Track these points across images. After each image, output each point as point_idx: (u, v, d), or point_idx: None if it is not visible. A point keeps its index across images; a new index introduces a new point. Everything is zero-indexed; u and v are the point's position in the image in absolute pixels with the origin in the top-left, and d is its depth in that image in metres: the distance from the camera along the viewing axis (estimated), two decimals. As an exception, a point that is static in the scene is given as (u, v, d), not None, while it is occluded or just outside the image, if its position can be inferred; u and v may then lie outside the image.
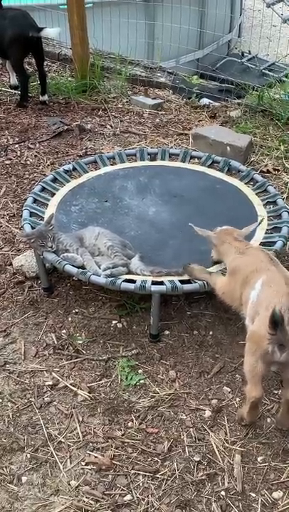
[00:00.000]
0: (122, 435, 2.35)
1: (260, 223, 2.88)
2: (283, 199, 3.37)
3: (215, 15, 7.05)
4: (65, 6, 4.98)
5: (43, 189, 3.34)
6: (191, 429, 2.37)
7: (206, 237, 2.68)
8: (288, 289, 2.18)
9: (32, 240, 2.81)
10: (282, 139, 4.32)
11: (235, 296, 2.46)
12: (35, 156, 4.17)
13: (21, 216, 3.15)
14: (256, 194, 3.29)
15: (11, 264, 3.16)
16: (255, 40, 7.23)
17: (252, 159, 4.09)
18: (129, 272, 2.73)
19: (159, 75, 5.56)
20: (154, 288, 2.61)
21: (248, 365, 2.20)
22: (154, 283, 2.64)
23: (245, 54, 8.32)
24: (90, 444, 2.32)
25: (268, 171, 3.97)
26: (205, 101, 5.08)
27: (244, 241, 2.60)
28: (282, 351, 2.07)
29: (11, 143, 4.32)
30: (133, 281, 2.64)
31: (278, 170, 4.01)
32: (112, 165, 3.62)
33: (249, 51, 8.27)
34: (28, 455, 2.28)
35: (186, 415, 2.43)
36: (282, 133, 4.43)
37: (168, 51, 6.62)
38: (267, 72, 7.25)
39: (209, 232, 2.67)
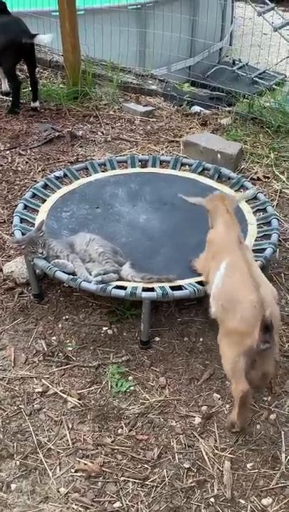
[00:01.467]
0: (112, 442, 2.34)
1: (252, 195, 2.87)
2: (273, 206, 3.39)
3: (206, 23, 7.10)
4: (57, 14, 4.99)
5: (34, 195, 3.34)
6: (180, 436, 2.37)
7: (198, 204, 2.69)
8: (253, 281, 2.18)
9: (22, 246, 2.81)
10: (272, 147, 4.35)
11: (206, 268, 2.56)
12: (27, 162, 4.17)
13: (12, 222, 3.15)
14: (246, 201, 3.30)
15: (1, 270, 3.16)
16: (246, 48, 7.32)
17: (242, 167, 4.11)
18: (120, 279, 2.73)
19: (150, 82, 5.58)
20: (144, 294, 2.61)
21: (230, 362, 2.22)
22: (144, 289, 2.64)
23: (236, 62, 8.39)
24: (80, 451, 2.31)
25: (258, 179, 3.99)
26: (196, 108, 5.10)
27: (231, 213, 2.60)
28: (265, 346, 2.11)
29: (2, 149, 4.32)
30: (124, 288, 2.65)
31: (268, 177, 4.03)
32: (103, 171, 3.63)
33: (240, 59, 8.34)
34: (18, 462, 2.27)
35: (176, 422, 2.43)
36: (272, 141, 4.45)
37: (159, 59, 6.66)
38: (257, 80, 7.32)
39: (200, 198, 2.70)
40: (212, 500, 2.15)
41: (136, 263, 2.81)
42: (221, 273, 2.34)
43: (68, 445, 2.33)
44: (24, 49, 4.57)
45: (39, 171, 4.05)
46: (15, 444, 2.33)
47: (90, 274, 2.72)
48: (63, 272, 2.73)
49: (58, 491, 2.17)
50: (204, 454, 2.31)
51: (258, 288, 2.14)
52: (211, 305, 2.42)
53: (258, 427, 2.41)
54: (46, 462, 2.27)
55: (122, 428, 2.40)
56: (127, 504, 2.14)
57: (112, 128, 4.70)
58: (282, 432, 2.39)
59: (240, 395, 2.21)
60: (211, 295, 2.42)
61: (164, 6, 6.95)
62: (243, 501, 2.15)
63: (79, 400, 2.51)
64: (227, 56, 9.41)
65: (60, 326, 2.86)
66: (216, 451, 2.32)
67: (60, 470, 2.25)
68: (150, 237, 3.08)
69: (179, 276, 2.73)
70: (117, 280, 2.72)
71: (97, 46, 5.82)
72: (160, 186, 3.45)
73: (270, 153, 4.28)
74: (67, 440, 2.35)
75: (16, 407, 2.48)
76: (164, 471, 2.25)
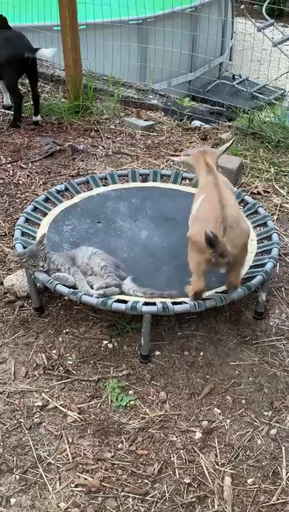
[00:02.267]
0: (112, 457, 2.34)
1: (230, 144, 3.07)
2: (273, 221, 3.40)
3: (206, 38, 7.16)
4: (59, 28, 5.03)
5: (35, 209, 3.35)
6: (181, 451, 2.37)
7: (184, 161, 3.07)
8: (220, 206, 2.51)
9: (24, 260, 2.81)
10: (272, 162, 4.37)
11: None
12: (28, 175, 4.19)
13: (13, 235, 3.16)
14: (247, 216, 3.31)
15: (1, 283, 3.16)
16: (246, 63, 7.37)
17: (242, 181, 4.13)
18: (122, 293, 2.74)
19: (151, 97, 5.62)
20: (145, 308, 2.61)
21: (194, 262, 2.60)
22: (145, 303, 2.65)
23: (236, 77, 8.45)
24: (80, 466, 2.30)
25: (258, 193, 4.01)
26: (196, 123, 5.13)
27: (210, 163, 2.85)
28: (224, 258, 2.46)
29: (3, 162, 4.34)
30: (124, 302, 2.65)
31: (268, 192, 4.05)
32: (104, 185, 3.64)
33: (240, 74, 8.40)
34: (17, 476, 2.26)
35: (176, 437, 2.42)
36: (272, 155, 4.48)
37: (160, 73, 6.71)
38: (257, 94, 7.37)
39: (185, 156, 3.00)
40: (212, 516, 2.14)
41: (137, 279, 2.82)
42: (197, 204, 2.69)
43: (68, 460, 2.33)
44: (26, 63, 4.61)
45: (40, 185, 4.07)
46: (15, 458, 2.33)
47: (92, 288, 2.73)
48: (64, 285, 2.74)
49: (58, 506, 2.16)
50: (205, 469, 2.30)
51: (223, 207, 2.49)
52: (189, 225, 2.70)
53: (259, 442, 2.41)
54: (46, 477, 2.26)
55: (122, 443, 2.39)
56: (127, 520, 2.13)
57: (113, 142, 4.73)
58: (283, 448, 2.38)
59: (194, 291, 2.61)
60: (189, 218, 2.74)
61: (164, 21, 7.01)
62: (243, 517, 2.14)
63: (79, 414, 2.50)
64: (227, 71, 9.48)
65: (60, 339, 2.86)
66: (217, 467, 2.31)
67: (60, 485, 2.24)
68: (152, 253, 3.08)
69: (181, 293, 2.73)
70: (118, 294, 2.72)
71: (98, 61, 5.87)
72: (161, 201, 3.47)
73: (270, 167, 4.30)
74: (67, 455, 2.34)
75: (15, 421, 2.47)
76: (165, 486, 2.24)
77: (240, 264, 2.68)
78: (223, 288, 2.78)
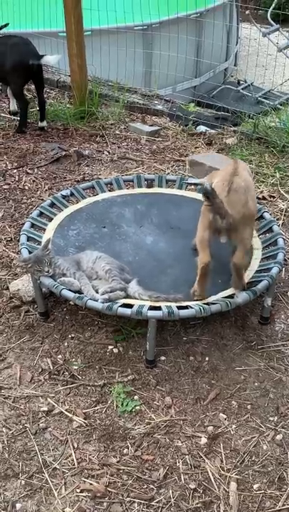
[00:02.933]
0: (118, 462, 2.33)
1: None
2: (279, 225, 3.40)
3: (212, 44, 7.18)
4: (64, 34, 5.06)
5: (41, 214, 3.36)
6: (186, 456, 2.36)
7: (200, 183, 3.04)
8: (231, 173, 2.65)
9: (29, 265, 2.82)
10: (278, 167, 4.37)
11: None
12: (33, 181, 4.20)
13: (19, 241, 3.17)
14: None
15: (7, 288, 3.17)
16: (251, 68, 7.38)
17: (248, 186, 4.12)
18: (127, 296, 2.74)
19: (156, 102, 5.63)
20: (150, 313, 2.61)
21: (199, 235, 2.69)
22: (150, 308, 2.65)
23: (241, 82, 8.47)
24: (85, 471, 2.30)
25: (264, 198, 4.01)
26: (201, 128, 5.14)
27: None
28: (222, 219, 2.53)
29: (9, 168, 4.36)
30: (130, 306, 2.65)
31: (274, 197, 4.05)
32: (109, 191, 3.65)
33: (245, 79, 8.42)
34: (23, 481, 2.26)
35: (181, 442, 2.42)
36: (277, 160, 4.48)
37: (165, 79, 6.73)
38: (262, 100, 7.38)
39: (202, 179, 3.04)
40: (218, 521, 2.14)
41: (142, 281, 2.82)
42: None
43: (74, 465, 2.32)
44: (32, 70, 4.63)
45: (46, 190, 4.09)
46: (20, 464, 2.33)
47: (97, 292, 2.73)
48: (69, 290, 2.74)
49: (64, 511, 2.16)
50: (210, 474, 2.29)
51: (233, 175, 2.62)
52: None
53: (265, 447, 2.40)
54: (51, 482, 2.26)
55: (128, 448, 2.39)
56: (132, 525, 2.12)
57: (119, 147, 4.74)
58: (289, 453, 2.38)
59: (202, 266, 2.64)
60: None
61: (169, 27, 7.03)
62: (249, 523, 2.14)
63: (84, 419, 2.50)
64: (232, 76, 9.51)
65: (65, 344, 2.87)
66: (222, 472, 2.30)
67: (65, 490, 2.24)
68: (157, 258, 3.09)
69: (186, 296, 2.73)
70: (124, 298, 2.72)
71: (103, 67, 5.89)
72: (167, 208, 3.46)
73: (275, 172, 4.30)
74: (73, 460, 2.34)
75: (21, 426, 2.47)
76: (170, 491, 2.24)
77: (244, 244, 2.69)
78: (229, 292, 2.78)
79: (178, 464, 2.33)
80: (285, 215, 3.84)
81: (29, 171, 4.32)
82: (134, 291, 2.74)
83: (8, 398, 2.59)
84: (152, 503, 2.19)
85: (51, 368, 2.74)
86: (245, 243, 2.71)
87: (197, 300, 2.72)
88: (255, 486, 2.26)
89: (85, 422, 2.48)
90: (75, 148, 4.62)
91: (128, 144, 4.82)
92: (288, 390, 2.64)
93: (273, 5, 7.50)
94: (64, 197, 3.54)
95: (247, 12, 9.57)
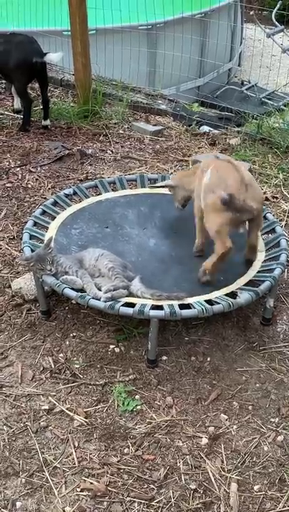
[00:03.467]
0: (118, 461, 2.33)
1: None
2: (282, 226, 3.40)
3: (216, 44, 7.17)
4: (69, 33, 5.06)
5: (44, 212, 3.35)
6: (187, 457, 2.36)
7: (165, 185, 3.38)
8: (234, 169, 2.77)
9: (31, 264, 2.82)
10: (281, 167, 4.37)
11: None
12: (36, 179, 4.20)
13: (21, 239, 3.17)
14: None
15: (9, 286, 3.17)
16: (255, 69, 7.36)
17: (251, 187, 4.12)
18: (130, 294, 2.73)
19: (160, 102, 5.63)
20: (152, 313, 2.61)
21: (218, 225, 2.71)
22: (152, 307, 2.64)
23: (245, 83, 8.47)
24: (86, 470, 2.30)
25: (267, 199, 4.01)
26: (205, 128, 5.14)
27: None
28: (246, 213, 2.71)
29: (12, 166, 4.36)
30: (132, 306, 2.64)
31: (277, 197, 4.04)
32: (112, 190, 3.65)
33: (249, 80, 8.41)
34: (23, 480, 2.26)
35: (182, 442, 2.42)
36: (280, 161, 4.48)
37: (169, 79, 6.73)
38: (266, 100, 7.38)
39: (165, 181, 3.40)
40: (218, 522, 2.14)
41: (145, 279, 2.81)
42: (208, 174, 2.81)
43: (74, 464, 2.32)
44: (36, 68, 4.63)
45: (49, 189, 4.08)
46: (21, 462, 2.33)
47: (99, 290, 2.73)
48: (72, 288, 2.74)
49: (64, 510, 2.16)
50: (211, 475, 2.29)
51: (237, 170, 2.74)
52: (201, 201, 2.84)
53: (266, 448, 2.40)
54: (52, 480, 2.26)
55: (129, 447, 2.39)
56: (132, 525, 2.12)
57: (122, 147, 4.74)
58: (290, 454, 2.37)
59: (224, 251, 2.70)
60: (202, 191, 2.83)
61: (174, 26, 7.03)
62: (249, 524, 2.13)
63: (85, 418, 2.50)
64: (236, 77, 9.50)
65: (67, 343, 2.86)
66: (223, 473, 2.30)
67: (65, 489, 2.24)
68: (160, 259, 3.08)
69: (189, 294, 2.73)
70: (126, 296, 2.72)
71: (107, 66, 5.89)
72: (170, 208, 3.44)
73: (278, 173, 4.30)
74: (73, 459, 2.34)
75: (22, 424, 2.47)
76: (170, 491, 2.23)
77: (259, 225, 2.92)
78: (232, 288, 2.79)
79: (178, 464, 2.33)
80: (288, 216, 3.83)
81: (32, 170, 4.32)
82: (136, 289, 2.74)
83: (10, 396, 2.59)
84: (152, 503, 2.19)
85: (52, 366, 2.74)
86: (260, 224, 2.95)
87: (205, 283, 2.83)
88: (256, 487, 2.25)
89: (85, 421, 2.48)
90: (78, 147, 4.62)
91: (131, 143, 4.82)
92: (290, 391, 2.64)
93: (278, 6, 7.48)
94: (67, 196, 3.53)
95: (251, 13, 9.56)
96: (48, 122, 4.94)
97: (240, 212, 2.68)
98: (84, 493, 2.22)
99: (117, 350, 2.83)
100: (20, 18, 6.78)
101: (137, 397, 2.60)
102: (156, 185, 3.54)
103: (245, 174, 2.76)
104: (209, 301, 2.69)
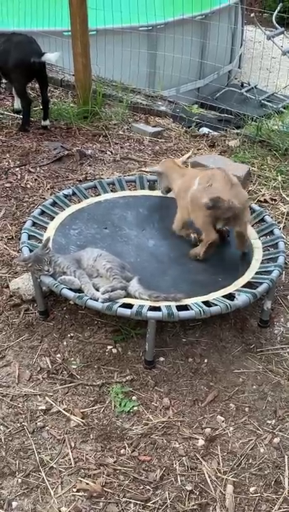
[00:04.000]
0: (114, 462, 2.33)
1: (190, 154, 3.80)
2: (280, 229, 3.40)
3: (216, 46, 7.18)
4: (69, 33, 5.06)
5: (43, 213, 3.36)
6: (183, 458, 2.36)
7: (153, 171, 3.53)
8: (222, 171, 2.97)
9: (29, 264, 2.82)
10: (280, 170, 4.37)
11: (185, 216, 3.14)
12: (36, 179, 4.20)
13: (20, 239, 3.17)
14: (253, 224, 3.31)
15: (7, 286, 3.17)
16: (254, 71, 7.36)
17: (249, 189, 4.13)
18: (128, 295, 2.74)
19: (159, 103, 5.63)
20: (150, 314, 2.61)
21: (201, 218, 2.94)
22: (150, 309, 2.65)
23: (244, 84, 8.46)
24: (82, 471, 2.30)
25: (265, 201, 4.02)
26: (204, 130, 5.14)
27: (183, 166, 3.43)
28: (230, 211, 2.86)
29: (11, 166, 4.36)
30: (130, 306, 2.65)
31: (275, 200, 4.05)
32: (112, 191, 3.65)
33: (248, 82, 8.41)
34: (20, 480, 2.26)
35: (179, 444, 2.42)
36: (279, 163, 4.48)
37: (169, 80, 6.73)
38: (266, 102, 7.38)
39: (154, 167, 3.56)
40: (214, 524, 2.14)
41: (143, 280, 2.81)
42: (196, 184, 2.98)
43: (70, 464, 2.32)
44: (34, 68, 4.63)
45: (48, 189, 4.09)
46: (17, 462, 2.33)
47: (97, 290, 2.73)
48: (70, 288, 2.74)
49: (60, 511, 2.16)
50: (207, 476, 2.29)
51: (225, 172, 2.93)
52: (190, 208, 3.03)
53: (262, 450, 2.40)
54: (48, 481, 2.26)
55: (125, 448, 2.39)
56: (128, 526, 2.12)
57: (121, 148, 4.74)
58: (286, 457, 2.38)
59: (210, 242, 2.94)
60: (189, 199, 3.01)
61: (174, 28, 7.03)
62: (245, 526, 2.14)
63: (82, 418, 2.50)
64: (236, 79, 9.50)
65: (64, 343, 2.87)
66: (219, 474, 2.30)
67: (61, 489, 2.24)
68: (158, 260, 3.09)
69: (187, 295, 2.73)
70: (124, 297, 2.72)
71: (108, 67, 5.89)
72: (169, 210, 3.44)
73: (277, 175, 4.30)
74: (70, 459, 2.34)
75: (18, 425, 2.48)
76: (166, 493, 2.24)
77: (247, 218, 3.03)
78: (229, 289, 2.79)
79: (175, 466, 2.33)
80: (286, 218, 3.84)
81: (31, 170, 4.32)
82: (134, 290, 2.74)
83: (7, 396, 2.59)
84: (148, 504, 2.19)
85: (50, 366, 2.74)
86: (248, 217, 3.08)
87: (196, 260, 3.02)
88: (252, 489, 2.26)
89: (82, 422, 2.48)
90: (77, 148, 4.63)
91: (131, 144, 4.82)
92: (286, 393, 2.64)
93: (279, 8, 7.50)
94: (66, 196, 3.53)
95: (252, 15, 9.56)
96: (47, 123, 4.94)
97: (224, 212, 2.87)
98: (80, 494, 2.22)
99: (114, 351, 2.83)
100: (21, 18, 6.78)
101: (133, 398, 2.60)
102: (146, 169, 3.87)
103: (231, 176, 2.96)
104: (207, 303, 2.70)
